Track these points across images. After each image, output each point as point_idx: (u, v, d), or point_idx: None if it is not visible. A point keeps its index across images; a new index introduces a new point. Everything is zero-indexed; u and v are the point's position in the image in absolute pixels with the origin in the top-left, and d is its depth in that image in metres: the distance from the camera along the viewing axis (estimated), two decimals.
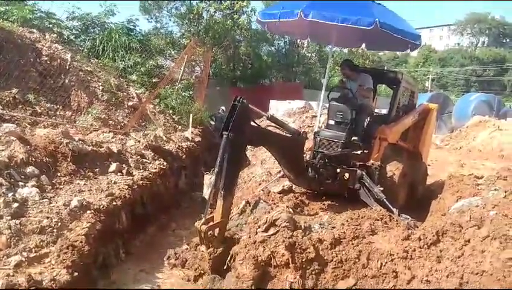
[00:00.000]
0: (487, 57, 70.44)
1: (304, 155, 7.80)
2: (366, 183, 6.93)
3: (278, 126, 6.26)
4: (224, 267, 5.09)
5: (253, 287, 4.52)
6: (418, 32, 8.12)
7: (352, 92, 7.43)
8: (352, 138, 7.14)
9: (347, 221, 5.70)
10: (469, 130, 17.72)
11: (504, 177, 6.56)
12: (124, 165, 7.54)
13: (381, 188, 6.81)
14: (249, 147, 14.30)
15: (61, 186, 5.89)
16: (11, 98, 8.49)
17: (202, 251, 5.28)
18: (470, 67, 68.22)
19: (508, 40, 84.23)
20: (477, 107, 22.57)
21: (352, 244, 5.00)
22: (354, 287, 4.56)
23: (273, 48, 36.66)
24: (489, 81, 66.01)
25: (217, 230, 5.18)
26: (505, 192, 5.55)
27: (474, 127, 17.71)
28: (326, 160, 7.09)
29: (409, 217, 6.32)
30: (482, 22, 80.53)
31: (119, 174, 7.20)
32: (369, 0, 7.74)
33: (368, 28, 6.77)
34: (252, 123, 5.59)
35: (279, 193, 7.24)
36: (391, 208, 6.45)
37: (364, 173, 7.03)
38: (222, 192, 5.10)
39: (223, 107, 19.97)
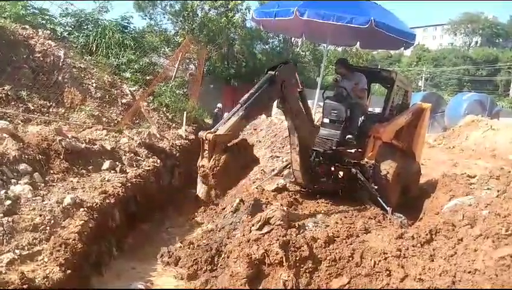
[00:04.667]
0: (480, 57, 70.79)
1: None
2: (360, 182, 6.96)
3: (303, 106, 6.21)
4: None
5: (246, 286, 4.51)
6: (412, 32, 8.17)
7: (347, 91, 7.44)
8: (347, 137, 7.14)
9: (341, 219, 5.72)
10: (462, 129, 17.81)
11: (497, 176, 6.61)
12: (117, 163, 7.51)
13: (375, 187, 6.84)
14: None
15: (54, 184, 5.85)
16: (3, 95, 8.43)
17: (202, 166, 5.09)
18: (463, 67, 68.52)
19: (500, 40, 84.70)
20: (470, 106, 22.71)
21: (346, 242, 5.02)
22: (347, 286, 4.58)
23: (267, 46, 36.65)
24: (482, 81, 66.33)
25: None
26: (498, 191, 5.60)
27: (466, 126, 17.80)
28: (321, 158, 7.10)
29: (402, 215, 6.35)
30: (475, 22, 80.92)
31: (112, 171, 7.16)
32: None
33: (363, 26, 6.80)
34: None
35: (274, 191, 7.22)
36: (385, 206, 6.48)
37: (358, 171, 7.05)
38: (242, 112, 5.07)
39: (220, 105, 20.00)
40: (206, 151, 5.03)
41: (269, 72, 5.43)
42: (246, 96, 5.23)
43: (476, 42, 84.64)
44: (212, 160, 4.99)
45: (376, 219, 6.18)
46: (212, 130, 5.04)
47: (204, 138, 4.95)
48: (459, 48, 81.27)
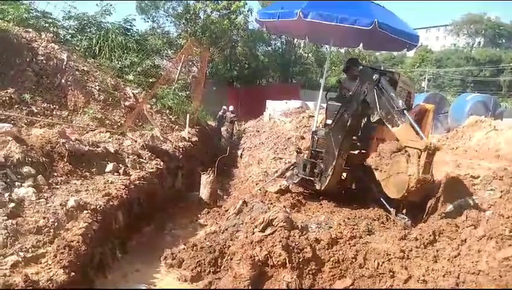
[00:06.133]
0: (483, 58, 70.63)
1: (302, 155, 7.82)
2: (363, 183, 6.94)
3: None
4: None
5: (250, 287, 4.51)
6: (416, 33, 8.15)
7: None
8: None
9: (344, 221, 5.71)
10: (465, 130, 17.71)
11: (500, 177, 6.59)
12: (120, 165, 7.52)
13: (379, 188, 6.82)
14: (246, 147, 14.34)
15: (58, 186, 5.86)
16: (7, 98, 8.47)
17: (424, 179, 5.06)
18: (466, 67, 68.38)
19: (503, 40, 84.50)
20: (473, 107, 22.62)
21: (349, 244, 5.01)
22: (351, 287, 4.57)
23: (269, 48, 36.70)
24: (485, 82, 66.17)
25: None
26: (501, 192, 5.59)
27: (470, 127, 17.70)
28: (324, 159, 7.09)
29: (405, 217, 6.33)
30: (477, 22, 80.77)
31: (115, 174, 7.17)
32: (368, 0, 7.75)
33: (366, 28, 6.78)
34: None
35: (276, 192, 7.23)
36: (388, 207, 6.46)
37: (361, 172, 7.04)
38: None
39: (225, 107, 20.04)
40: (428, 164, 5.08)
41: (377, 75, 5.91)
42: (400, 102, 5.59)
43: (479, 43, 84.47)
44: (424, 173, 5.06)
45: (379, 220, 6.18)
46: (426, 140, 5.19)
47: (428, 147, 5.02)
48: (462, 48, 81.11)
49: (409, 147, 5.31)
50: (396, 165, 5.43)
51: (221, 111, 19.99)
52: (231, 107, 20.18)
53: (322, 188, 7.04)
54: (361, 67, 6.73)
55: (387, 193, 5.74)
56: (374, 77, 5.99)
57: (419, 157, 5.07)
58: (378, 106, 5.90)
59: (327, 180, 6.90)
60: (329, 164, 6.87)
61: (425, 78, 65.28)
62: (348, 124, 6.56)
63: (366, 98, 6.19)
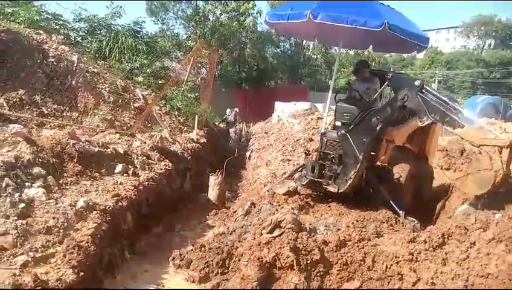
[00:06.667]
0: (493, 60, 70.09)
1: (310, 156, 7.81)
2: (372, 185, 6.93)
3: None
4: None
5: (258, 289, 4.51)
6: (426, 35, 8.09)
7: (360, 94, 7.41)
8: None
9: (352, 223, 5.69)
10: None
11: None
12: (129, 166, 7.55)
13: (388, 190, 6.81)
14: (254, 148, 14.35)
15: (68, 187, 5.90)
16: (18, 99, 8.55)
17: (495, 172, 5.31)
18: (476, 69, 67.91)
19: None
20: (484, 109, 22.47)
21: (358, 246, 5.00)
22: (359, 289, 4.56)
23: (278, 50, 36.71)
24: (495, 84, 65.63)
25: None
26: None
27: None
28: (332, 161, 7.08)
29: (414, 219, 6.31)
30: (488, 24, 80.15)
31: (125, 175, 7.20)
32: (378, 0, 7.72)
33: (376, 29, 6.74)
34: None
35: (285, 194, 7.24)
36: (397, 210, 6.44)
37: (370, 174, 7.02)
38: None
39: (237, 109, 20.07)
40: (510, 159, 5.33)
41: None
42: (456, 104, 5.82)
43: (490, 44, 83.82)
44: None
45: (388, 222, 6.16)
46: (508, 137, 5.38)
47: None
48: (472, 50, 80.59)
49: (487, 145, 5.43)
50: (476, 163, 5.55)
51: (234, 112, 20.04)
52: (228, 110, 20.24)
53: (341, 191, 7.01)
54: (391, 74, 6.85)
55: (465, 190, 5.96)
56: (416, 83, 6.14)
57: (500, 153, 5.27)
58: (428, 111, 6.00)
59: (348, 184, 6.88)
60: (350, 167, 6.85)
61: (435, 80, 64.91)
62: (378, 128, 6.62)
63: (407, 104, 6.27)
